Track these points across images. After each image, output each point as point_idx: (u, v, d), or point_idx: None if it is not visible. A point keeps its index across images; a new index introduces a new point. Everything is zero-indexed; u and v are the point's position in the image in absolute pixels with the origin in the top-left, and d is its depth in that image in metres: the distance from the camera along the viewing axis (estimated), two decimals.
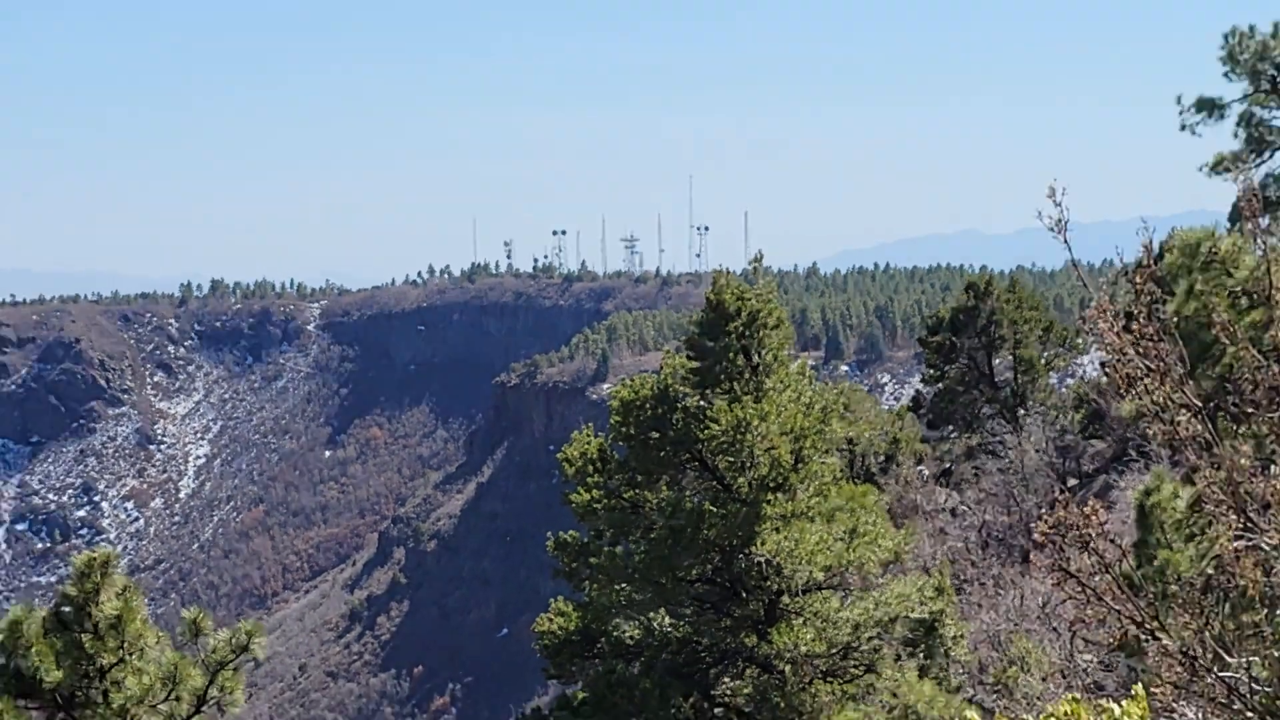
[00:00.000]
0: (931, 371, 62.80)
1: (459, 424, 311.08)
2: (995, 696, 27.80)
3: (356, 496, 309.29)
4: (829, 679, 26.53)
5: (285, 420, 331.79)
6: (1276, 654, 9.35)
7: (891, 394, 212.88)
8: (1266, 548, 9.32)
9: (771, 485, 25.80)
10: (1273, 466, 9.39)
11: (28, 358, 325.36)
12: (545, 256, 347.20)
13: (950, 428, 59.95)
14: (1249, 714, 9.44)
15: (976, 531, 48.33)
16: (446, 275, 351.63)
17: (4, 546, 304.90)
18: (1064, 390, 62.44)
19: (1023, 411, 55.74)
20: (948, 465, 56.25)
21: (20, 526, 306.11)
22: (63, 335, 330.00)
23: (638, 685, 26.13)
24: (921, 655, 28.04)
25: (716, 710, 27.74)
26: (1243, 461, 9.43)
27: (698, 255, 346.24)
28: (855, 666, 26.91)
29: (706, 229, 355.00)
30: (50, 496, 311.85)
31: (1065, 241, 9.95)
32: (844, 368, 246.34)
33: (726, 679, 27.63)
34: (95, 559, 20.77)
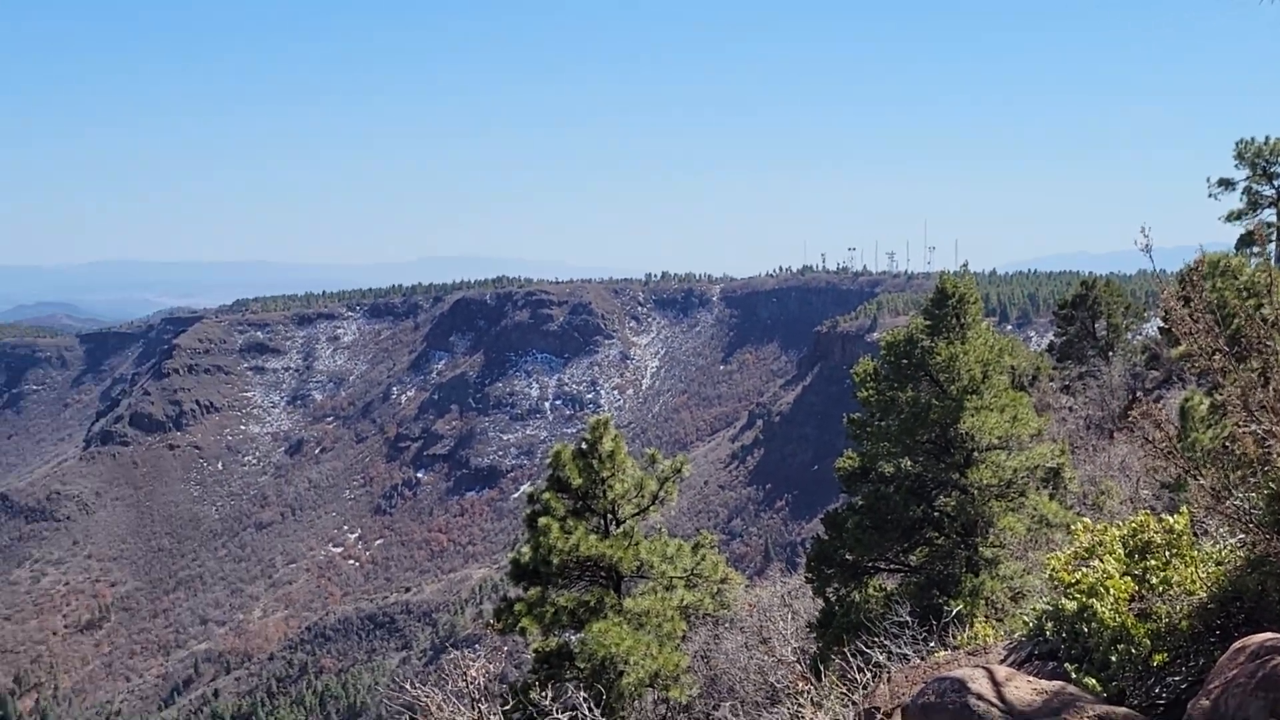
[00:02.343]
0: (1059, 329, 70.66)
1: (794, 353, 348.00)
2: (1092, 512, 31.43)
3: (737, 391, 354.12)
4: (999, 499, 28.71)
5: (699, 348, 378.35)
6: (1266, 491, 10.80)
7: (1035, 343, 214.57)
8: (1260, 431, 10.76)
9: (969, 390, 28.17)
10: (1270, 384, 10.78)
11: (564, 311, 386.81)
12: (843, 262, 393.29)
13: (1069, 362, 65.79)
14: (1251, 526, 10.99)
15: (1083, 420, 57.05)
16: (789, 271, 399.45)
17: (550, 413, 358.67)
18: (1135, 341, 65.83)
19: (1111, 353, 62.66)
20: (1067, 383, 62.08)
21: (558, 402, 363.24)
22: (583, 299, 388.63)
23: (891, 499, 29.37)
24: (1050, 487, 30.69)
25: (935, 514, 29.51)
26: (1248, 378, 10.92)
27: (928, 263, 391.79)
28: (1014, 493, 28.89)
29: (934, 248, 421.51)
30: (574, 386, 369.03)
31: (1150, 257, 11.86)
32: (1009, 327, 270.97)
33: (941, 497, 29.55)
34: (600, 420, 27.99)
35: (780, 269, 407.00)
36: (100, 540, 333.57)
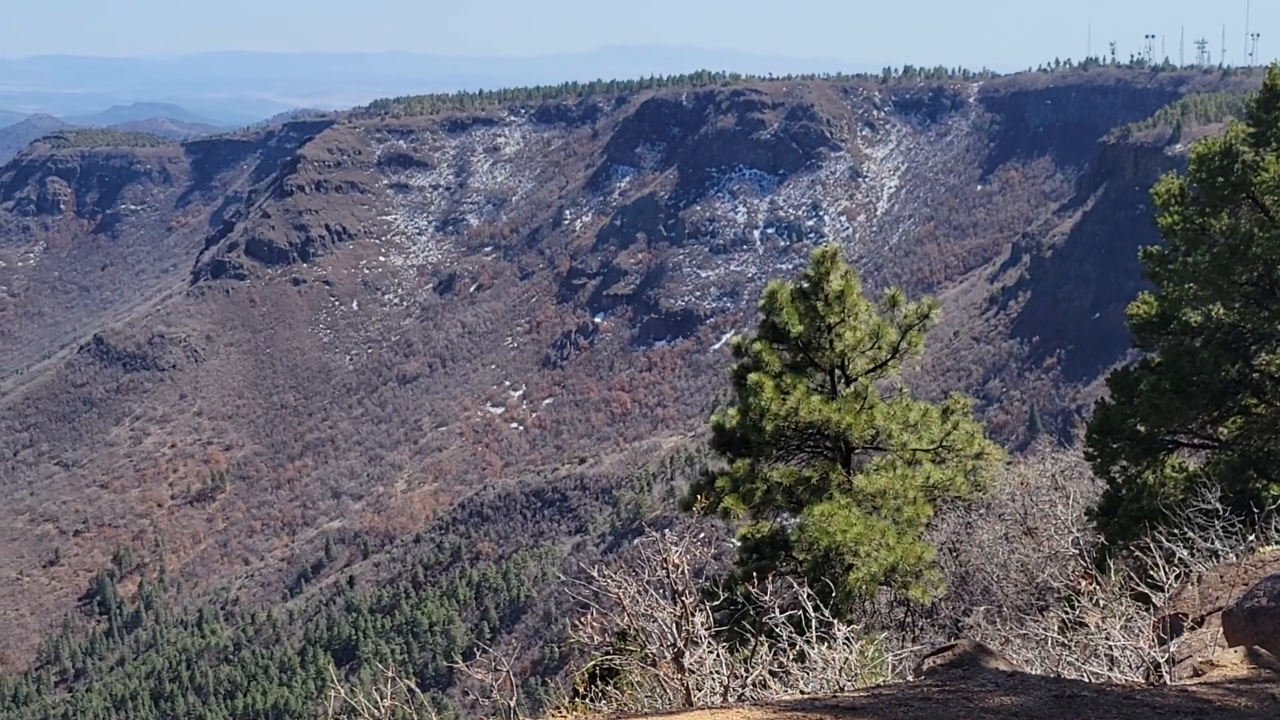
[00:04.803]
0: None
1: (1071, 170, 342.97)
2: None
3: (997, 218, 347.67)
4: None
5: (950, 164, 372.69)
6: None
7: None
8: None
9: None
10: None
11: (778, 116, 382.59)
12: (1138, 54, 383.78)
13: None
14: None
15: None
16: (1068, 65, 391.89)
17: (760, 244, 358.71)
18: None
19: None
20: None
21: (770, 230, 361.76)
22: (803, 101, 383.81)
23: (1198, 355, 29.26)
24: None
25: (1254, 375, 29.23)
26: None
27: (1250, 54, 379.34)
28: None
29: (1258, 35, 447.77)
30: (790, 210, 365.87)
31: None
32: None
33: (1263, 354, 29.28)
34: (826, 251, 27.86)
35: (1057, 63, 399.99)
36: (212, 394, 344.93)
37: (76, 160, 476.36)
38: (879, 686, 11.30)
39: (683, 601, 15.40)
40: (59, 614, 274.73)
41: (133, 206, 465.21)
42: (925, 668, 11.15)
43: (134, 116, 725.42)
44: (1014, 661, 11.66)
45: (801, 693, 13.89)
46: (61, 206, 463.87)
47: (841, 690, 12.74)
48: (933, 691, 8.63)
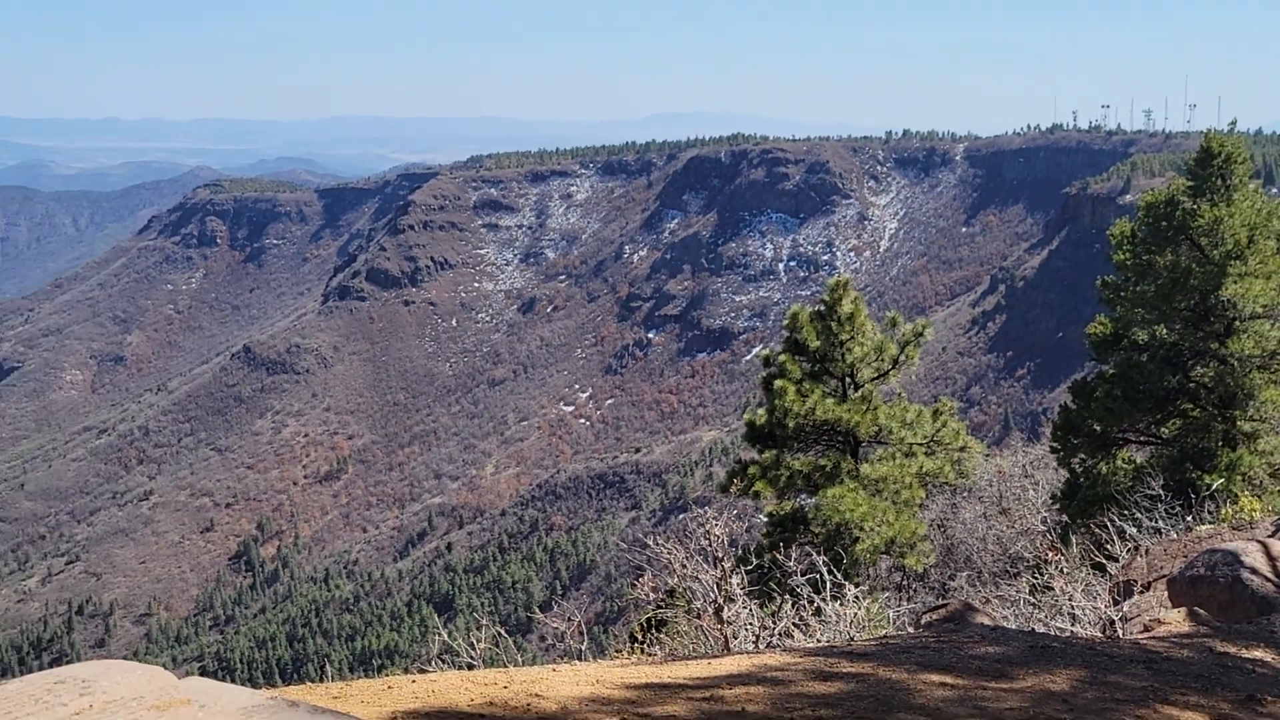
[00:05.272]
0: None
1: (1040, 215, 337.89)
2: None
3: (978, 255, 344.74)
4: (1261, 371, 28.11)
5: (940, 210, 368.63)
6: None
7: None
8: None
9: (1233, 255, 27.39)
10: None
11: (800, 170, 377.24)
12: (1095, 120, 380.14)
13: None
14: None
15: None
16: (1038, 129, 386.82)
17: (784, 274, 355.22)
18: None
19: None
20: None
21: (792, 263, 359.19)
22: (820, 158, 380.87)
23: (1145, 367, 29.33)
24: None
25: (1190, 385, 29.37)
26: None
27: (1188, 121, 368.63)
28: (1278, 365, 28.19)
29: (1195, 106, 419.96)
30: (809, 247, 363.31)
31: None
32: (1276, 190, 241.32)
33: (1199, 368, 29.34)
34: (839, 281, 28.49)
35: (1028, 127, 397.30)
36: (338, 393, 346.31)
37: (230, 204, 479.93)
38: (885, 637, 11.35)
39: (721, 566, 15.52)
40: (213, 571, 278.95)
41: (275, 241, 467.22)
42: (923, 621, 11.29)
43: (277, 168, 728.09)
44: (994, 618, 11.70)
45: (819, 642, 13.87)
46: (218, 241, 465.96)
47: (853, 640, 12.68)
48: (930, 641, 8.73)
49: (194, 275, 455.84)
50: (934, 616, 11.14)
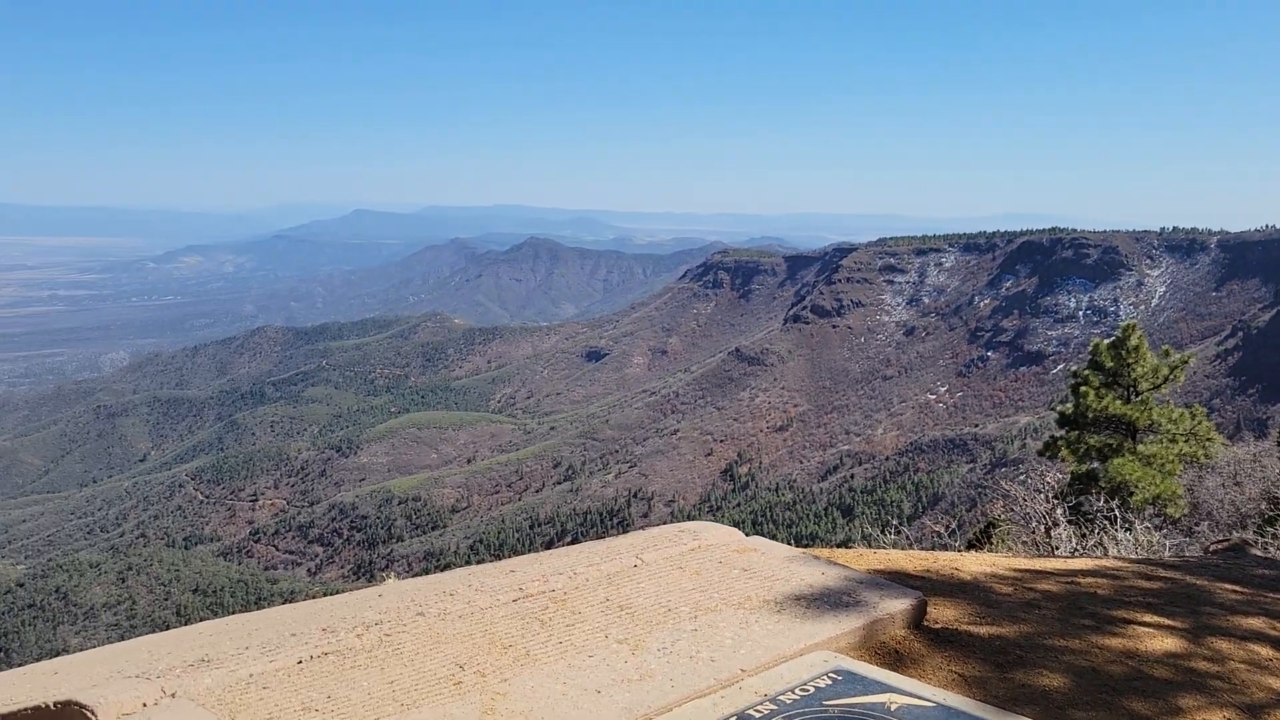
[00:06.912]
0: None
1: (1273, 285, 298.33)
2: None
3: (1224, 311, 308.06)
4: None
5: (1196, 280, 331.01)
6: None
7: None
8: None
9: None
10: None
11: (1097, 251, 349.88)
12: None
13: None
14: None
15: None
16: (1272, 228, 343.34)
17: (1083, 319, 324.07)
18: None
19: None
20: None
21: (1088, 312, 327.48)
22: (1111, 243, 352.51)
23: None
24: None
25: None
26: None
27: None
28: None
29: None
30: (1099, 301, 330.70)
31: None
32: None
33: None
34: (1129, 324, 25.36)
35: (1266, 226, 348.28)
36: (789, 379, 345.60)
37: (732, 264, 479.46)
38: (1184, 556, 10.30)
39: (1051, 500, 15.38)
40: (710, 479, 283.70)
41: (757, 287, 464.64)
42: (1210, 549, 10.59)
43: (762, 243, 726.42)
44: (1267, 551, 10.55)
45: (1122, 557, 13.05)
46: (723, 285, 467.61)
47: (1156, 555, 11.73)
48: (1217, 563, 7.97)
49: (709, 305, 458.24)
50: (1220, 546, 10.30)
